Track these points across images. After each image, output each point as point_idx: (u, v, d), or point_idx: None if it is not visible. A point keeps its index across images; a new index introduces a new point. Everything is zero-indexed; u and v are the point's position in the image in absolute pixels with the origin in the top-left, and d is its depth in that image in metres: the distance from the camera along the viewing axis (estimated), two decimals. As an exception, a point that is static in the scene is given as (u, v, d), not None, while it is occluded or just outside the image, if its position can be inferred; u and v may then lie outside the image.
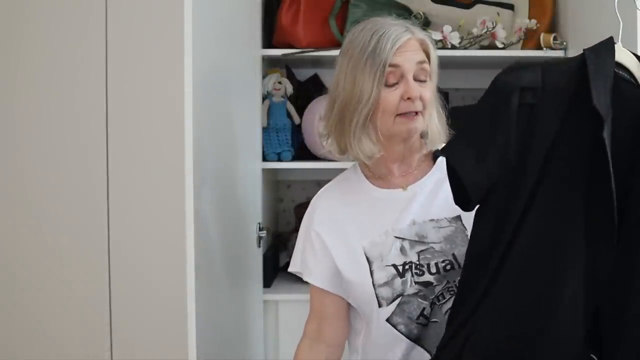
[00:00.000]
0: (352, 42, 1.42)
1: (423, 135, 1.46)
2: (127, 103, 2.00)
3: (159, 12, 1.97)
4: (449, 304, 1.39)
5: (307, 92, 2.47)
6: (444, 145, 1.21)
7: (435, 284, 1.41)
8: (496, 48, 2.25)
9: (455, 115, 1.47)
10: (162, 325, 1.99)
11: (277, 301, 2.20)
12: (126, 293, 2.02)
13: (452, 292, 1.40)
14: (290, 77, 2.44)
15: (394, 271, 1.42)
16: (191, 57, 1.41)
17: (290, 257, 2.41)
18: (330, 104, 1.45)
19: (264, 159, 2.25)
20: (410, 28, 1.42)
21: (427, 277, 1.41)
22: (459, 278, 1.26)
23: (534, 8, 2.30)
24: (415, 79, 1.40)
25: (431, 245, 1.42)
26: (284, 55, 2.26)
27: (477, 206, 1.20)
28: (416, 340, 1.42)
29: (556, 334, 1.09)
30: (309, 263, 1.50)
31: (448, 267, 1.41)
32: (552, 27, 2.32)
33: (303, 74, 2.56)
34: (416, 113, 1.40)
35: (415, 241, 1.43)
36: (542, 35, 2.22)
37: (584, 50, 1.20)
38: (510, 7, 2.32)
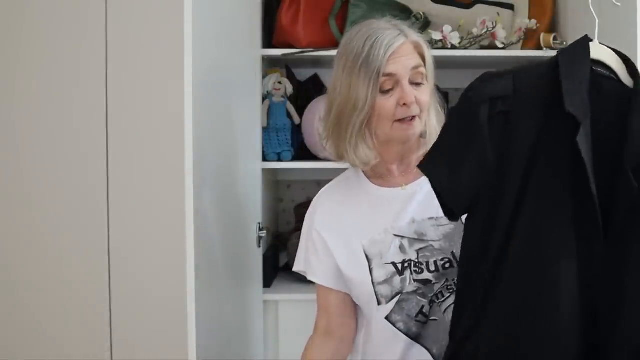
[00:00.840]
0: (347, 47, 1.43)
1: (422, 135, 1.47)
2: (127, 103, 2.01)
3: (159, 12, 1.97)
4: (448, 302, 1.40)
5: (307, 92, 2.47)
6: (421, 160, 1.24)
7: (434, 282, 1.42)
8: (496, 48, 2.24)
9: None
10: (162, 325, 1.99)
11: (277, 301, 2.20)
12: (126, 293, 2.02)
13: (451, 290, 1.41)
14: (290, 77, 2.44)
15: (393, 269, 1.43)
16: (191, 57, 1.41)
17: (290, 257, 2.42)
18: (329, 107, 1.46)
19: (264, 159, 2.25)
20: (404, 31, 1.42)
21: (426, 275, 1.42)
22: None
23: (534, 8, 2.30)
24: (411, 83, 1.40)
25: (430, 243, 1.42)
26: (284, 55, 2.26)
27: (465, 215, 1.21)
28: (415, 338, 1.43)
29: (557, 338, 1.10)
30: (312, 262, 1.51)
31: (447, 265, 1.42)
32: (552, 27, 2.32)
33: (303, 74, 2.56)
34: (413, 117, 1.41)
35: (415, 239, 1.43)
36: (542, 35, 2.22)
37: (557, 51, 1.21)
38: (510, 7, 2.32)
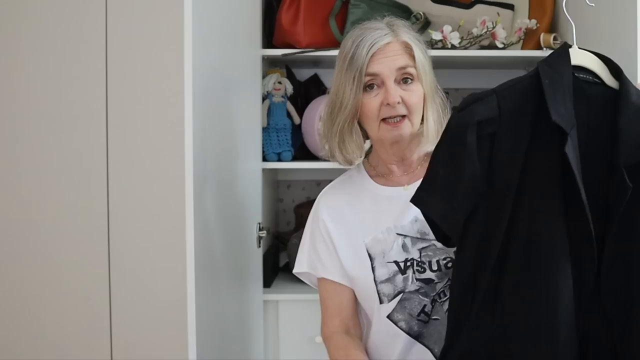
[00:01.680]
0: (341, 48, 1.46)
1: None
2: (127, 103, 2.00)
3: (159, 13, 1.97)
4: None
5: (307, 92, 2.47)
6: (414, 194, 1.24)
7: (436, 281, 1.42)
8: (496, 48, 2.24)
9: None
10: (162, 326, 1.99)
11: (277, 301, 2.20)
12: (126, 293, 2.02)
13: None
14: (290, 77, 2.44)
15: (395, 268, 1.43)
16: (191, 57, 1.41)
17: (290, 257, 2.41)
18: (326, 107, 1.49)
19: (264, 159, 2.25)
20: (395, 31, 1.42)
21: (428, 274, 1.42)
22: None
23: (534, 8, 2.30)
24: (398, 83, 1.40)
25: (433, 242, 1.42)
26: (284, 55, 2.26)
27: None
28: (417, 337, 1.43)
29: (557, 353, 1.11)
30: (323, 258, 1.50)
31: (449, 264, 1.42)
32: (552, 27, 2.32)
33: (303, 74, 2.56)
34: (403, 117, 1.41)
35: (417, 238, 1.44)
36: (542, 35, 2.22)
37: (537, 63, 1.21)
38: (510, 7, 2.32)
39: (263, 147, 2.24)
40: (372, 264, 1.44)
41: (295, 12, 2.24)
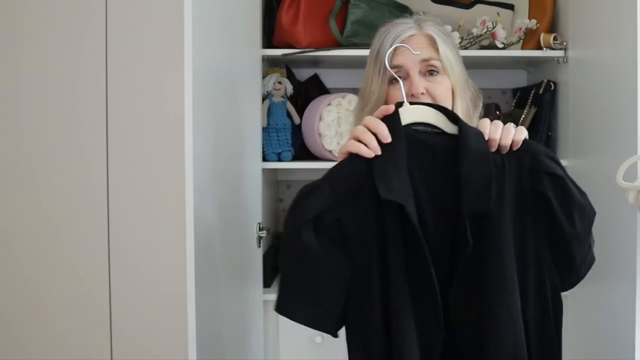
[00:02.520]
0: (372, 44, 1.48)
1: None
2: (127, 103, 2.00)
3: (159, 12, 1.97)
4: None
5: (307, 92, 2.47)
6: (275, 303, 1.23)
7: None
8: (496, 48, 2.25)
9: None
10: (162, 325, 1.99)
11: (277, 301, 2.19)
12: (126, 293, 2.01)
13: None
14: (290, 77, 2.44)
15: None
16: (191, 57, 1.41)
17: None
18: (357, 102, 1.53)
19: (264, 159, 2.25)
20: (421, 24, 1.44)
21: None
22: None
23: (534, 8, 2.30)
24: (424, 75, 1.41)
25: None
26: (284, 55, 2.26)
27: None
28: None
29: None
30: None
31: None
32: (552, 27, 2.32)
33: (303, 74, 2.56)
34: None
35: None
36: (542, 35, 2.22)
37: None
38: (510, 7, 2.32)
39: (263, 147, 2.25)
40: None
41: (295, 12, 2.24)
